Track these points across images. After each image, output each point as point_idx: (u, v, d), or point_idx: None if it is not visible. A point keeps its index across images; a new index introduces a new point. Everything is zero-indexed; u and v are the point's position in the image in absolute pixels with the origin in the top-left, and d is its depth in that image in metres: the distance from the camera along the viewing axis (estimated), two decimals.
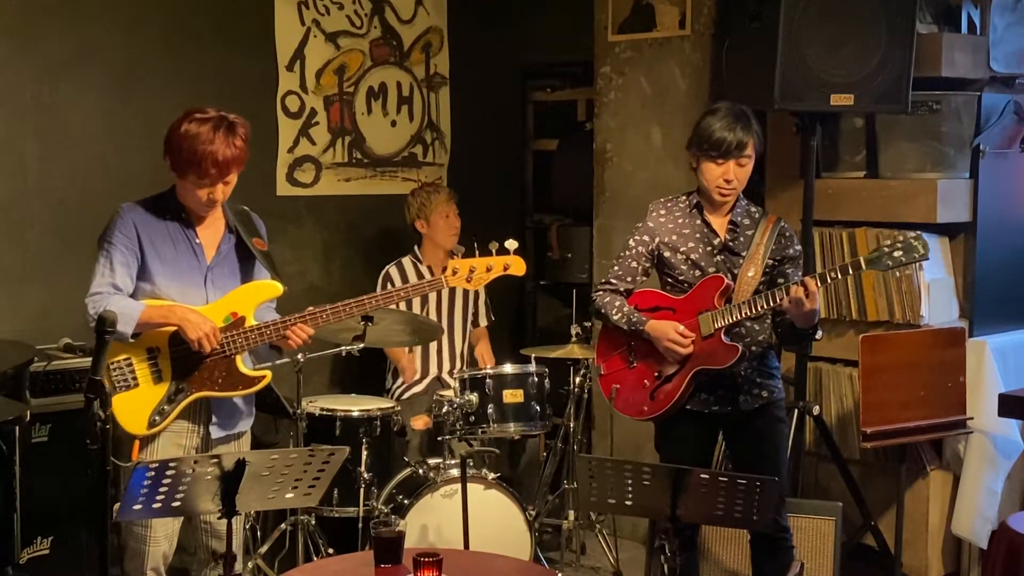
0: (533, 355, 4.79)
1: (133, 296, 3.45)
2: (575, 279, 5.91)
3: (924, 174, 4.59)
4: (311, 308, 3.53)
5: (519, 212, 6.41)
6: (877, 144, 4.69)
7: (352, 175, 5.67)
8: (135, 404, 3.43)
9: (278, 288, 3.56)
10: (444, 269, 3.63)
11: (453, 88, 6.00)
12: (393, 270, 5.16)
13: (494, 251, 3.64)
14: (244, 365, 3.52)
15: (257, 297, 3.54)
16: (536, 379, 4.60)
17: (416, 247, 5.22)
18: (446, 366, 5.17)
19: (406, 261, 5.19)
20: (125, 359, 3.44)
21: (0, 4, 4.53)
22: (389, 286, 5.12)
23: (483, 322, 5.35)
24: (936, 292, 4.58)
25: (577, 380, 4.97)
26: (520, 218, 6.43)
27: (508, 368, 4.63)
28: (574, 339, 4.91)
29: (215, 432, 3.54)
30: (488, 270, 3.64)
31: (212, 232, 3.56)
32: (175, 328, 3.41)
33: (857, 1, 4.28)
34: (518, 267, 3.69)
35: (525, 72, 6.36)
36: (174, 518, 3.51)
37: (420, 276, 5.16)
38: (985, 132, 4.62)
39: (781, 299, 3.61)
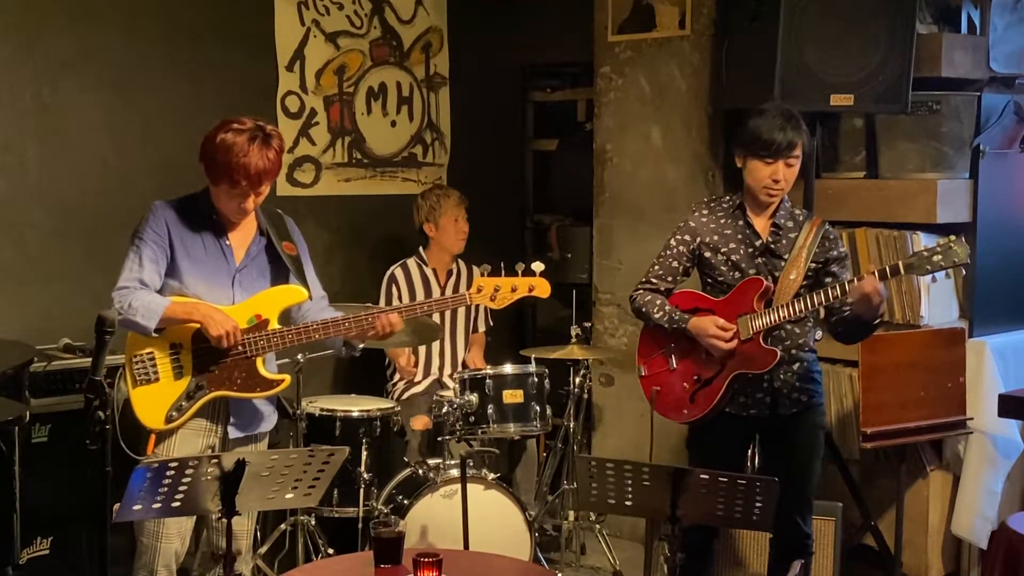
0: (533, 355, 4.79)
1: (161, 293, 3.48)
2: (575, 279, 5.91)
3: (924, 174, 4.59)
4: (338, 315, 3.57)
5: (519, 212, 6.41)
6: (877, 144, 4.69)
7: (352, 175, 5.67)
8: (154, 398, 3.45)
9: (303, 294, 3.59)
10: (447, 271, 3.60)
11: (453, 88, 6.00)
12: (398, 271, 5.16)
13: (519, 272, 3.63)
14: (265, 368, 3.53)
15: (282, 302, 3.57)
16: (536, 379, 4.60)
17: (422, 248, 5.22)
18: (447, 368, 5.16)
19: (411, 263, 5.19)
20: (148, 353, 3.46)
21: (0, 4, 4.53)
22: (394, 288, 5.12)
23: (481, 327, 5.35)
24: (936, 292, 4.58)
25: (577, 380, 4.97)
26: (520, 218, 6.43)
27: (508, 368, 4.62)
28: (574, 340, 4.90)
29: (233, 432, 3.55)
30: (513, 290, 3.63)
31: (243, 234, 3.58)
32: (199, 326, 3.43)
33: (857, 1, 4.28)
34: (543, 289, 3.66)
35: (525, 72, 6.36)
36: (187, 517, 3.52)
37: (424, 278, 5.16)
38: (985, 132, 4.62)
39: (820, 303, 3.59)
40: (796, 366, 3.77)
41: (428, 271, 5.17)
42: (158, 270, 3.47)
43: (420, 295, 5.13)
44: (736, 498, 3.10)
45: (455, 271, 5.23)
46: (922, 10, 4.53)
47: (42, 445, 4.22)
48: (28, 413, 4.05)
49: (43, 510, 4.19)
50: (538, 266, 3.62)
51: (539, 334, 6.23)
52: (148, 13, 4.93)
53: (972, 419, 4.37)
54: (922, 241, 4.55)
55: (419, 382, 5.12)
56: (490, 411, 4.51)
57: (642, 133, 5.37)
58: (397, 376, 5.16)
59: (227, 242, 3.55)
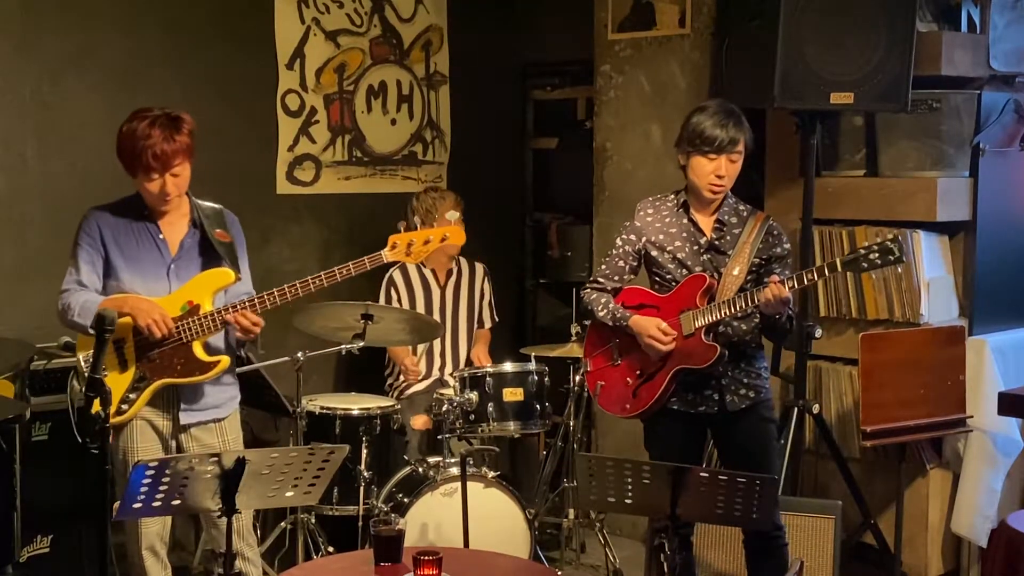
0: (533, 353, 4.78)
1: (103, 293, 3.61)
2: (575, 278, 5.90)
3: (924, 172, 4.59)
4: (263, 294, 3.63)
5: (519, 211, 6.41)
6: (877, 142, 4.69)
7: (352, 173, 5.67)
8: None
9: (230, 275, 3.65)
10: (447, 271, 3.65)
11: (453, 86, 6.00)
12: (396, 274, 5.15)
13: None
14: (202, 351, 3.61)
15: (211, 285, 3.64)
16: (536, 377, 4.60)
17: None
18: (449, 367, 5.16)
19: (410, 264, 5.18)
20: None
21: (0, 3, 4.53)
22: (393, 291, 5.11)
23: (487, 323, 5.34)
24: (936, 290, 4.58)
25: (577, 379, 4.96)
26: (520, 217, 6.43)
27: (508, 366, 4.63)
28: (574, 338, 4.91)
29: (184, 418, 3.65)
30: (426, 242, 3.73)
31: (176, 228, 3.69)
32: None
33: None
34: (456, 237, 3.76)
35: (525, 70, 6.36)
36: None
37: (424, 280, 5.15)
38: (985, 130, 4.62)
39: (761, 299, 3.60)
40: (743, 362, 3.78)
41: (427, 272, 5.16)
42: (95, 271, 3.62)
43: (420, 297, 5.12)
44: (736, 496, 3.10)
45: (455, 270, 5.21)
46: (922, 8, 4.53)
47: (42, 443, 4.23)
48: (28, 411, 4.05)
49: (43, 508, 4.19)
50: (452, 215, 3.69)
51: (539, 332, 6.24)
52: (148, 11, 4.93)
53: (972, 417, 4.38)
54: (922, 239, 4.56)
55: (420, 380, 5.11)
56: (490, 409, 4.51)
57: (642, 132, 5.37)
58: (397, 371, 5.14)
59: (160, 236, 3.65)
